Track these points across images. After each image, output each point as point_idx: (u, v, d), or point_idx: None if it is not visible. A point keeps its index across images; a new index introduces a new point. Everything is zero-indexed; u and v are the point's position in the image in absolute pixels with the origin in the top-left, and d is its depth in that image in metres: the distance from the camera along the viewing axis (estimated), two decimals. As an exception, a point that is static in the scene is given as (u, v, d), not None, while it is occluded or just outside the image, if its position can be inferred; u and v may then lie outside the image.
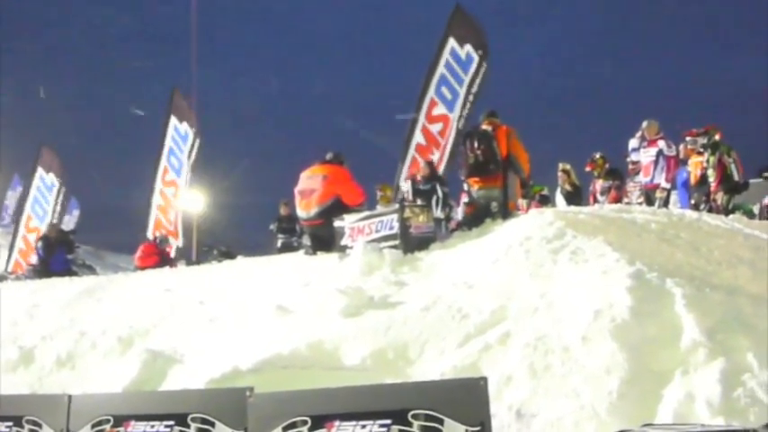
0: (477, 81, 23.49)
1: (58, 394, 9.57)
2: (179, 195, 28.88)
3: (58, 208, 32.00)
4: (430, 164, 22.02)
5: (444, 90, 23.96)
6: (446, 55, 24.12)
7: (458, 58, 23.94)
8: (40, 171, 32.00)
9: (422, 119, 24.20)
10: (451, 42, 24.15)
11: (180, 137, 28.92)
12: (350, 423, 6.35)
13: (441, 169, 22.47)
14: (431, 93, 24.20)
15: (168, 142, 29.09)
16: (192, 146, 28.62)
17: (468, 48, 23.79)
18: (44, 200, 31.67)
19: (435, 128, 23.96)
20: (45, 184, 31.82)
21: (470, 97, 23.34)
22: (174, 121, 29.16)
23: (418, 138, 24.21)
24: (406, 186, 22.44)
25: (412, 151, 24.19)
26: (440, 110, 23.96)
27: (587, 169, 21.36)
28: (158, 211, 28.91)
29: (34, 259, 27.82)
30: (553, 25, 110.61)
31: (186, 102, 29.76)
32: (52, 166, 32.05)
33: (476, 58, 23.63)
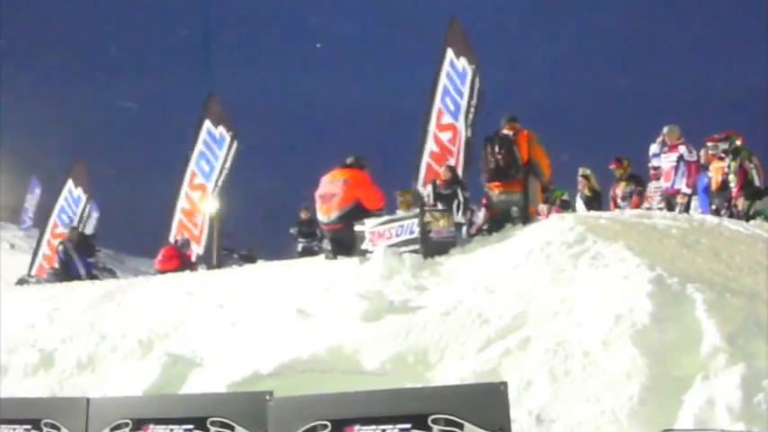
0: (475, 95, 23.57)
1: (76, 397, 9.61)
2: (205, 199, 28.99)
3: (83, 222, 32.36)
4: (451, 168, 22.02)
5: (447, 100, 24.10)
6: (446, 66, 24.26)
7: (456, 70, 24.08)
8: (69, 183, 32.35)
9: (432, 127, 24.26)
10: (450, 54, 24.29)
11: (215, 141, 29.09)
12: (370, 427, 6.34)
13: (457, 177, 22.46)
14: (437, 102, 24.31)
15: (199, 146, 29.24)
16: (230, 149, 28.83)
17: (464, 61, 23.94)
18: (71, 211, 31.98)
19: (445, 136, 24.02)
20: (72, 196, 32.17)
21: (471, 109, 23.44)
22: (207, 124, 29.30)
23: (431, 145, 24.25)
24: (425, 191, 22.45)
25: (426, 158, 24.22)
26: (447, 119, 24.04)
27: (611, 167, 21.25)
28: (182, 215, 29.01)
29: (56, 263, 27.96)
30: (570, 33, 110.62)
31: (222, 106, 29.94)
32: (82, 181, 32.37)
33: (469, 72, 23.74)
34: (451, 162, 23.11)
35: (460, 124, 23.50)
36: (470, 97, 23.53)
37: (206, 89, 30.46)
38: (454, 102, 23.86)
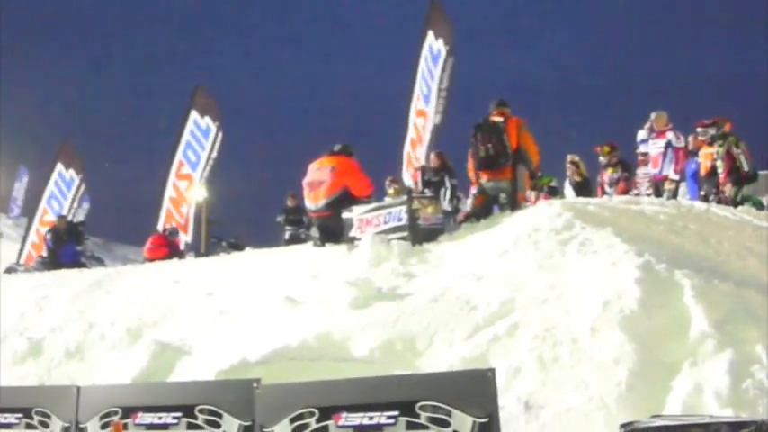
0: (446, 76, 23.55)
1: (66, 386, 9.62)
2: (192, 189, 29.03)
3: (75, 204, 32.20)
4: (440, 155, 21.99)
5: (423, 84, 24.10)
6: (425, 49, 24.29)
7: (431, 52, 24.09)
8: (59, 167, 32.13)
9: (412, 112, 24.29)
10: (430, 36, 24.31)
11: (201, 131, 29.16)
12: (357, 414, 6.36)
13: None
14: (417, 87, 24.32)
15: (186, 136, 29.26)
16: (215, 140, 28.88)
17: (440, 42, 23.93)
18: (62, 195, 31.81)
19: (420, 122, 24.07)
20: (64, 179, 31.96)
21: (442, 93, 23.44)
22: (194, 115, 29.34)
23: (411, 132, 24.31)
24: (409, 180, 22.51)
25: (407, 147, 24.26)
26: (421, 104, 24.09)
27: (596, 150, 21.22)
28: (170, 204, 29.01)
29: (44, 251, 27.92)
30: (563, 24, 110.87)
31: (209, 98, 29.93)
32: (73, 161, 32.22)
33: (443, 53, 23.73)
34: (420, 151, 23.19)
35: (430, 109, 23.53)
36: (440, 80, 23.54)
37: (194, 79, 30.45)
38: (428, 85, 23.93)
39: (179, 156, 29.32)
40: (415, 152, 23.51)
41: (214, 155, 29.07)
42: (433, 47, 24.05)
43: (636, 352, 7.93)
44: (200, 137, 29.13)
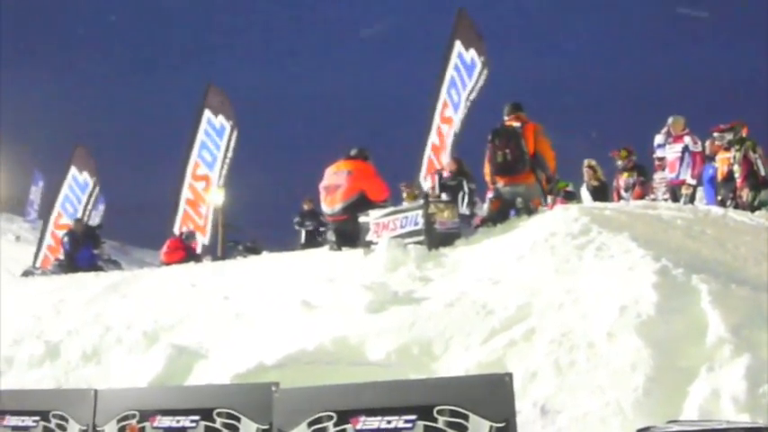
0: (477, 88, 23.54)
1: (84, 389, 9.62)
2: (210, 190, 28.94)
3: (90, 207, 32.12)
4: (457, 159, 21.98)
5: (453, 92, 24.10)
6: (454, 58, 24.28)
7: (464, 62, 24.06)
8: (73, 170, 31.99)
9: (436, 119, 24.31)
10: (458, 46, 24.28)
11: (215, 130, 28.97)
12: (375, 418, 6.36)
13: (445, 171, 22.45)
14: (443, 94, 24.35)
15: (200, 136, 29.08)
16: (230, 139, 28.74)
17: (473, 52, 23.89)
18: (76, 198, 31.66)
19: (445, 128, 24.10)
20: (78, 182, 31.81)
21: (468, 103, 23.43)
22: (207, 114, 29.16)
23: (433, 137, 24.35)
24: (426, 184, 22.52)
25: (428, 151, 24.29)
26: (449, 112, 24.14)
27: (611, 155, 21.21)
28: (187, 206, 28.92)
29: (61, 254, 27.94)
30: (581, 28, 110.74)
31: (222, 96, 29.79)
32: (86, 165, 32.05)
33: (479, 64, 23.70)
34: (443, 158, 23.20)
35: (458, 117, 23.56)
36: (471, 91, 23.54)
37: (209, 80, 30.19)
38: (458, 93, 23.90)
39: (194, 157, 29.19)
40: (438, 158, 23.56)
41: (230, 154, 28.91)
42: (465, 57, 24.00)
43: (652, 357, 7.92)
44: (214, 136, 28.96)
